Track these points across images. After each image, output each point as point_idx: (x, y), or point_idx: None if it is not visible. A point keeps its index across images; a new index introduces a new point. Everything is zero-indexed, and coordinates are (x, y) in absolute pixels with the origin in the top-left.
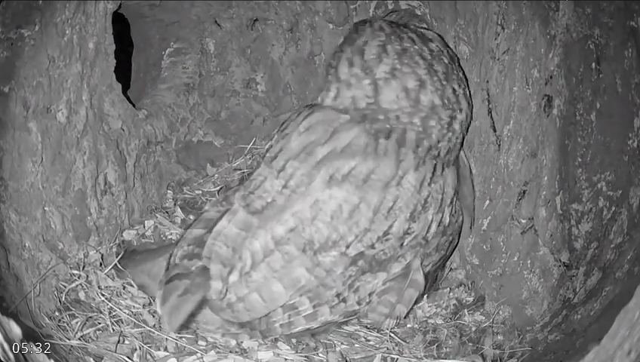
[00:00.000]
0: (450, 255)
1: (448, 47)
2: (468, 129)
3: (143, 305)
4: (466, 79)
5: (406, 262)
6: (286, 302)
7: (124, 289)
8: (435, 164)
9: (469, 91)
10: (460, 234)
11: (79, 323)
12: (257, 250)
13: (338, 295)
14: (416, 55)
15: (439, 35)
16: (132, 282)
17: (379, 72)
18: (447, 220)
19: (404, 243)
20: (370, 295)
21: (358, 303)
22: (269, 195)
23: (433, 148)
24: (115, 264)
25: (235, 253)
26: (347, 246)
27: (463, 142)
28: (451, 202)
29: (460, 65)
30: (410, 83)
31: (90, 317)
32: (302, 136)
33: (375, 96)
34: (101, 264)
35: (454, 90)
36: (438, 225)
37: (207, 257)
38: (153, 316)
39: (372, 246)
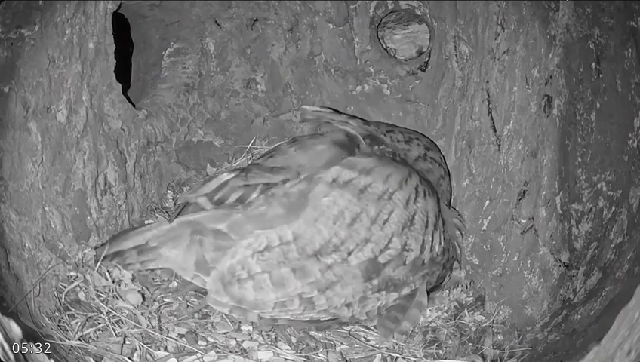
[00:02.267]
0: (439, 284)
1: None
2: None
3: (136, 306)
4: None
5: (415, 287)
6: (300, 293)
7: (118, 285)
8: (418, 185)
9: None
10: (451, 268)
11: (79, 324)
12: (274, 237)
13: (348, 304)
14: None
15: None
16: (108, 252)
17: None
18: (437, 248)
19: (407, 262)
20: (379, 309)
21: (367, 314)
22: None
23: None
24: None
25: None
26: (349, 253)
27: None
28: (436, 228)
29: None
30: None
31: (89, 317)
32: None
33: None
34: (96, 262)
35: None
36: (431, 250)
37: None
38: (145, 316)
39: (375, 260)
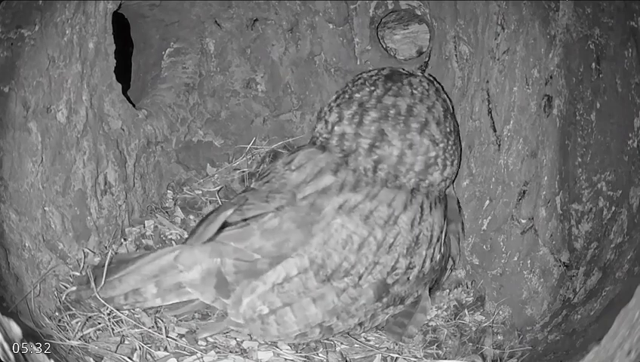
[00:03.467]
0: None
1: (439, 91)
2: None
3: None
4: (457, 125)
5: (418, 294)
6: (321, 322)
7: None
8: (422, 203)
9: (459, 141)
10: (446, 267)
11: (79, 324)
12: (291, 266)
13: (361, 324)
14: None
15: (431, 78)
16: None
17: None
18: (437, 256)
19: (410, 278)
20: (386, 321)
21: (376, 327)
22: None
23: (420, 186)
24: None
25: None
26: (359, 277)
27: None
28: (438, 240)
29: (453, 113)
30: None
31: (89, 317)
32: (296, 170)
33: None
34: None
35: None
36: (431, 261)
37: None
38: (150, 316)
39: (384, 282)
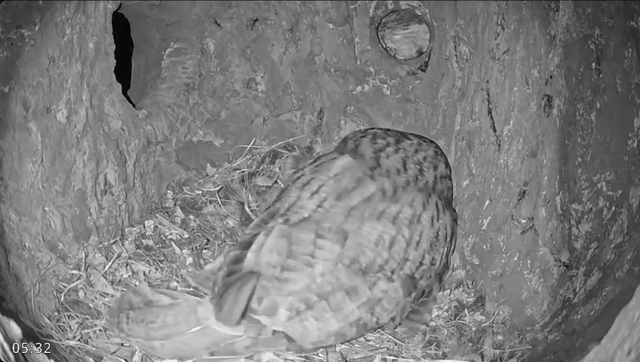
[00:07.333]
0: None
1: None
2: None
3: None
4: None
5: (432, 287)
6: (357, 319)
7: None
8: (437, 203)
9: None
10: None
11: (78, 324)
12: (321, 262)
13: (393, 318)
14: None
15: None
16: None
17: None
18: (448, 255)
19: (432, 274)
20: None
21: (401, 320)
22: (305, 211)
23: (431, 188)
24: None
25: (281, 256)
26: (392, 272)
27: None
28: (452, 238)
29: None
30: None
31: (87, 318)
32: (335, 178)
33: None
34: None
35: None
36: (445, 258)
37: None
38: None
39: (413, 277)
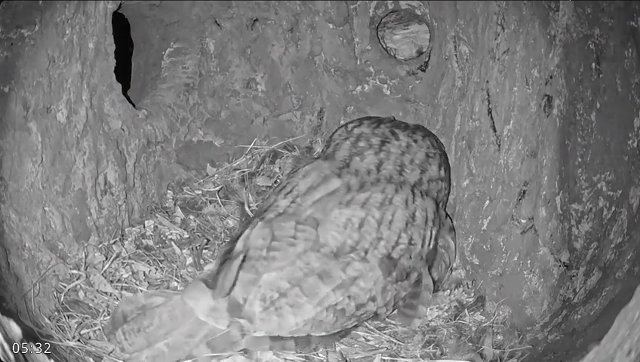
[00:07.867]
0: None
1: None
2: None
3: None
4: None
5: (418, 272)
6: (334, 304)
7: (120, 296)
8: (413, 189)
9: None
10: (449, 266)
11: (77, 324)
12: (290, 252)
13: (372, 298)
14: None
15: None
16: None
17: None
18: (432, 244)
19: (412, 255)
20: (394, 298)
21: (386, 306)
22: (280, 208)
23: (410, 184)
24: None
25: (265, 240)
26: (365, 252)
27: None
28: (434, 224)
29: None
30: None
31: (86, 317)
32: (304, 178)
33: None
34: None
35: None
36: (429, 245)
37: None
38: None
39: (390, 256)
